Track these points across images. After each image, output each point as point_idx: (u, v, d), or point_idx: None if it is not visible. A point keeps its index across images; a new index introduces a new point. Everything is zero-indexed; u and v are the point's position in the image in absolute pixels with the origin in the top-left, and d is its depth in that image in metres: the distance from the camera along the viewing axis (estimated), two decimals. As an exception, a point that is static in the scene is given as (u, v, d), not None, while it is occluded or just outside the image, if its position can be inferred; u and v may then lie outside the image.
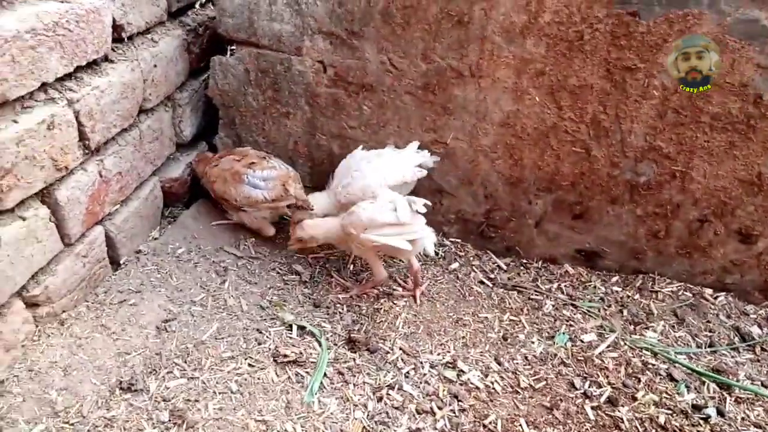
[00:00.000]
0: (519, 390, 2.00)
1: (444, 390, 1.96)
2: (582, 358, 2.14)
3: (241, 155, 2.50)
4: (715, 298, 2.48)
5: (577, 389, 2.02)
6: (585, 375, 2.08)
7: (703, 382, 2.08)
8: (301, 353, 2.00)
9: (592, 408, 1.95)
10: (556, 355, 2.15)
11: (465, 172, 2.54)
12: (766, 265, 2.40)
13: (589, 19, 2.13)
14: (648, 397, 1.99)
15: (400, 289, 2.40)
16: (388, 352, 2.09)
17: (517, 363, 2.11)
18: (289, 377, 1.94)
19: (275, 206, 2.45)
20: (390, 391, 1.93)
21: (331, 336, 2.14)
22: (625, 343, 2.22)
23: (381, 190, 2.29)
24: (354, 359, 2.04)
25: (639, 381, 2.06)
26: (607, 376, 2.07)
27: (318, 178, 2.68)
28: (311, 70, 2.49)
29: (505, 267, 2.62)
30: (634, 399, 1.99)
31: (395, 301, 2.33)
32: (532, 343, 2.21)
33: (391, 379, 1.98)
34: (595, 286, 2.53)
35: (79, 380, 1.78)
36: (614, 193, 2.42)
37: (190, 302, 2.17)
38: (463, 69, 2.33)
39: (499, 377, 2.04)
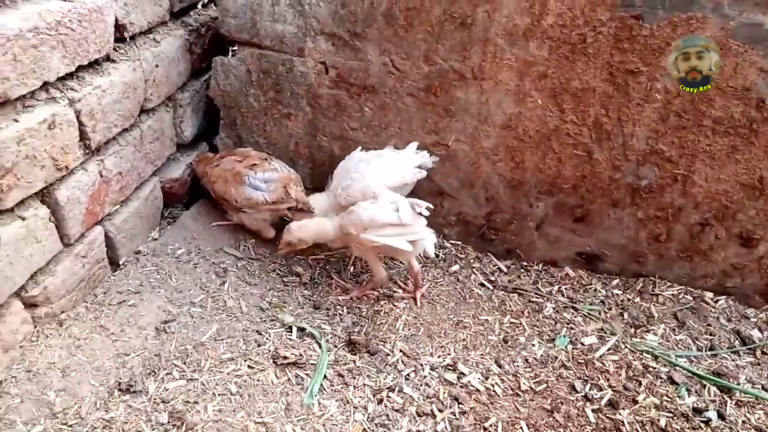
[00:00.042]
0: (519, 393, 2.00)
1: (444, 392, 1.96)
2: (583, 361, 2.14)
3: (242, 156, 2.49)
4: (716, 302, 2.48)
5: (577, 392, 2.01)
6: (586, 378, 2.07)
7: (704, 386, 2.08)
8: (300, 355, 2.00)
9: (593, 411, 1.95)
10: (556, 357, 2.14)
11: (466, 175, 2.54)
12: (766, 269, 2.40)
13: (592, 22, 2.13)
14: (649, 400, 1.99)
15: (401, 291, 2.40)
16: (388, 354, 2.08)
17: (518, 365, 2.11)
18: (288, 379, 1.93)
19: (276, 208, 2.44)
20: (390, 394, 1.93)
21: (331, 338, 2.13)
22: (626, 346, 2.22)
23: (381, 191, 2.28)
24: (354, 361, 2.03)
25: (640, 384, 2.05)
26: (608, 379, 2.07)
27: (319, 179, 2.68)
28: (313, 71, 2.48)
29: (505, 269, 2.62)
30: (635, 402, 1.98)
31: (395, 303, 2.32)
32: (533, 345, 2.20)
33: (392, 381, 1.97)
34: (595, 289, 2.53)
35: (77, 381, 1.77)
36: (615, 196, 2.42)
37: (190, 303, 2.16)
38: (465, 71, 2.33)
39: (500, 380, 2.04)
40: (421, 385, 1.98)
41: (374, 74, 2.42)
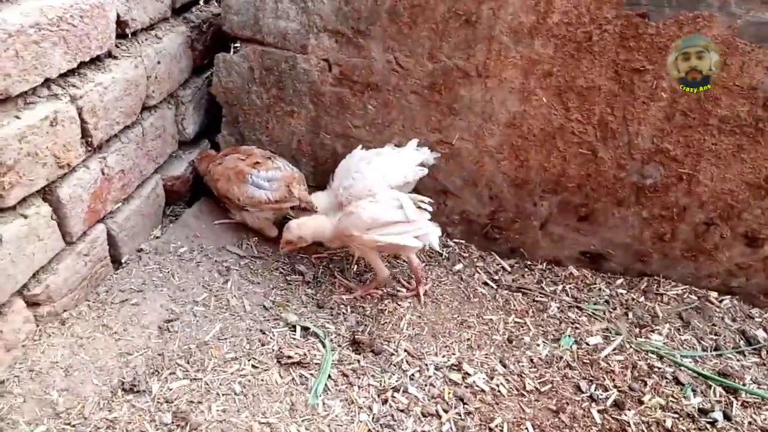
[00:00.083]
0: (525, 393, 1.99)
1: (449, 393, 1.95)
2: (588, 361, 2.13)
3: (246, 154, 2.47)
4: (720, 302, 2.47)
5: (583, 392, 2.00)
6: (591, 378, 2.06)
7: (710, 386, 2.07)
8: (305, 354, 1.98)
9: (599, 411, 1.94)
10: (561, 357, 2.13)
11: (470, 173, 2.53)
12: (771, 268, 2.40)
13: (598, 20, 2.11)
14: (654, 400, 1.98)
15: (404, 290, 2.38)
16: (392, 354, 2.07)
17: (523, 365, 2.10)
18: (293, 379, 1.92)
19: (278, 207, 2.42)
20: (395, 394, 1.92)
21: (335, 337, 2.12)
22: (631, 346, 2.21)
23: (381, 190, 2.26)
24: (358, 361, 2.02)
25: (645, 384, 2.05)
26: (613, 380, 2.06)
27: (321, 177, 2.66)
28: (316, 69, 2.46)
29: (509, 268, 2.61)
30: (641, 402, 1.97)
31: (399, 303, 2.31)
32: (538, 345, 2.19)
33: (396, 381, 1.96)
34: (599, 289, 2.52)
35: (80, 381, 1.75)
36: (620, 195, 2.41)
37: (193, 302, 2.14)
38: (469, 69, 2.31)
39: (505, 380, 2.03)
40: (426, 385, 1.97)
41: (378, 72, 2.41)
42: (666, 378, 2.08)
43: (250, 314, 2.15)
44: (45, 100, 1.72)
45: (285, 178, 2.40)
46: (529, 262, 2.64)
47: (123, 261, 2.24)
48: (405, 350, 2.09)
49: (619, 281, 2.56)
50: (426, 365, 2.04)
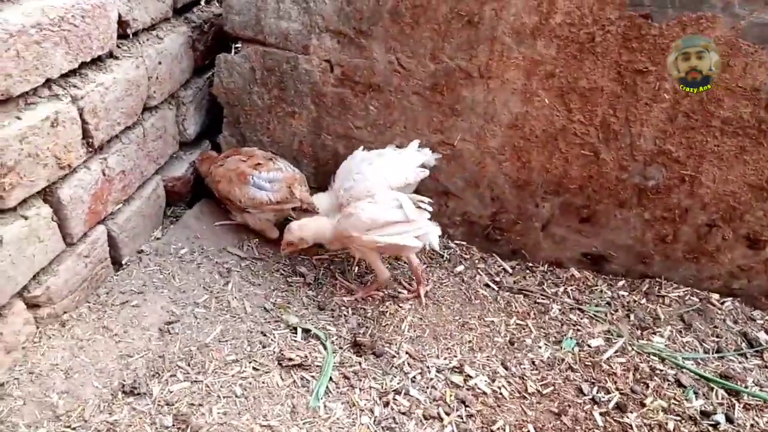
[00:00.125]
0: (527, 395, 1.98)
1: (451, 395, 1.94)
2: (590, 364, 2.12)
3: (247, 155, 2.46)
4: (722, 304, 2.47)
5: (585, 395, 2.00)
6: (593, 380, 2.06)
7: (712, 388, 2.06)
8: (306, 357, 1.97)
9: (601, 414, 1.93)
10: (563, 360, 2.13)
11: (472, 174, 2.52)
12: (773, 270, 2.39)
13: (600, 21, 2.11)
14: (656, 403, 1.98)
15: (405, 292, 2.37)
16: (394, 356, 2.06)
17: (525, 368, 2.09)
18: (294, 381, 1.91)
19: (280, 208, 2.41)
20: (397, 396, 1.91)
21: (336, 339, 2.11)
22: (633, 348, 2.20)
23: (382, 191, 2.25)
24: (360, 363, 2.01)
25: (647, 387, 2.04)
26: (615, 382, 2.05)
27: (323, 178, 2.65)
28: (318, 69, 2.46)
29: (510, 270, 2.60)
30: (643, 405, 1.97)
31: (401, 305, 2.30)
32: (539, 347, 2.19)
33: (398, 383, 1.95)
34: (601, 291, 2.51)
35: (80, 383, 1.75)
36: (622, 197, 2.40)
37: (194, 304, 2.13)
38: (472, 70, 2.31)
39: (507, 382, 2.02)
40: (427, 387, 1.96)
41: (380, 72, 2.40)
42: (668, 380, 2.08)
43: (251, 316, 2.14)
44: (46, 101, 1.71)
45: (286, 180, 2.40)
46: (530, 264, 2.63)
47: (123, 262, 2.23)
48: (406, 352, 2.08)
49: (620, 283, 2.55)
50: (427, 367, 2.03)
